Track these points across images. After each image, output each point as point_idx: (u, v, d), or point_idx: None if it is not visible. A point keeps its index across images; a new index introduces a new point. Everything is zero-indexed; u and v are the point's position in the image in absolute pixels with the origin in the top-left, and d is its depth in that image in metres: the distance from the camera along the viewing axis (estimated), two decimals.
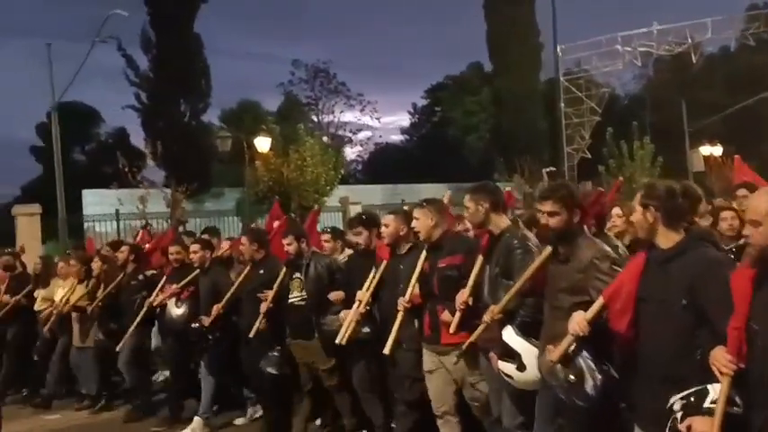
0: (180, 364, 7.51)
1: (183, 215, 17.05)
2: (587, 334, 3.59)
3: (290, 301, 6.20)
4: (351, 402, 6.17)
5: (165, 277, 7.48)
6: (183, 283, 7.11)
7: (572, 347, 3.64)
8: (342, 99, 44.26)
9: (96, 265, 8.31)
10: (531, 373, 4.13)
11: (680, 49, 22.89)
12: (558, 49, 23.31)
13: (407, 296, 5.06)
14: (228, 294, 6.67)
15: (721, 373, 2.99)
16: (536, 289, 4.22)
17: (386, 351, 5.07)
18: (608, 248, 4.12)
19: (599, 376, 3.60)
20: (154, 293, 7.43)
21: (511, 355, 4.20)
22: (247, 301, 6.55)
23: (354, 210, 20.53)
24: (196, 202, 20.72)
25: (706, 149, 25.87)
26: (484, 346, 4.56)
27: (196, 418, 7.03)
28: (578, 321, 3.63)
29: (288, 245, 6.24)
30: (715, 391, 3.02)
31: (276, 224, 8.15)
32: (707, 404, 3.03)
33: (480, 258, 4.66)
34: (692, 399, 3.08)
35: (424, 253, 5.09)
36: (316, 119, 38.65)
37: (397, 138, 50.25)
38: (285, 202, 17.83)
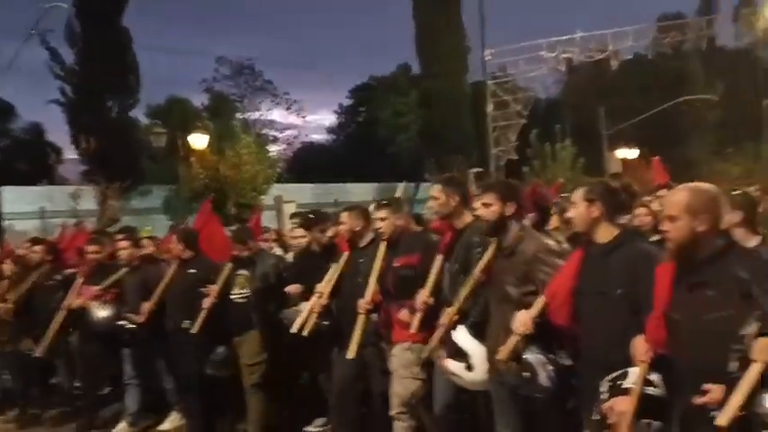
0: (104, 368, 7.13)
1: (116, 213, 16.65)
2: (532, 332, 3.78)
3: (231, 297, 6.19)
4: (263, 407, 6.18)
5: (81, 278, 7.01)
6: (107, 283, 6.78)
7: (519, 345, 3.80)
8: (268, 97, 43.95)
9: (7, 266, 7.87)
10: (480, 373, 4.25)
11: (600, 56, 23.99)
12: (486, 53, 23.95)
13: (368, 297, 5.06)
14: (158, 292, 6.48)
15: (639, 360, 3.23)
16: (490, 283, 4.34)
17: (350, 356, 5.04)
18: (551, 242, 4.29)
19: (550, 367, 3.78)
20: (69, 295, 6.94)
21: (461, 354, 4.29)
22: (176, 301, 6.41)
23: (288, 208, 20.51)
24: (123, 199, 20.25)
25: (622, 152, 27.10)
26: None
27: (121, 423, 6.87)
28: (522, 320, 3.82)
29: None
30: (635, 373, 3.24)
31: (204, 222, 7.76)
32: (626, 385, 3.24)
33: (440, 257, 4.72)
34: (616, 381, 3.29)
35: (382, 249, 5.12)
36: (240, 116, 38.24)
37: (322, 137, 50.30)
38: (221, 199, 17.69)
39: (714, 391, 2.86)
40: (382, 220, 5.10)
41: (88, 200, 17.73)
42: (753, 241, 4.22)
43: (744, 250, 3.30)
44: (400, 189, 7.39)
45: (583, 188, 3.83)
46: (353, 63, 78.24)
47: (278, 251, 7.74)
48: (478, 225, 4.65)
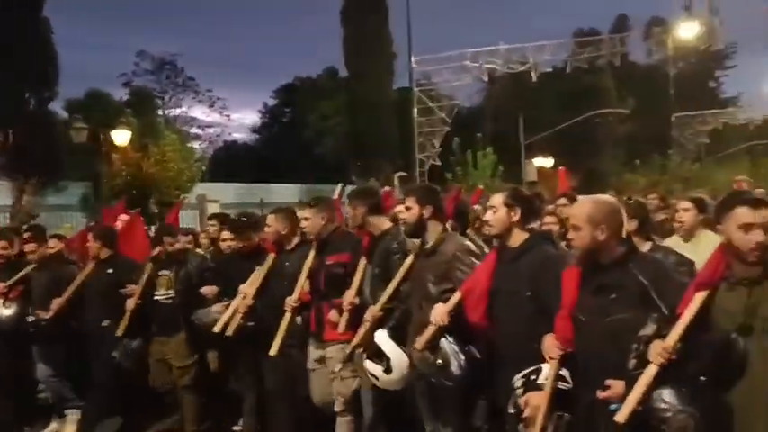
0: (11, 367, 6.66)
1: (32, 209, 16.08)
2: (447, 323, 3.94)
3: (155, 297, 6.10)
4: (197, 407, 6.16)
5: None
6: (13, 279, 6.53)
7: (435, 336, 3.95)
8: (190, 94, 43.22)
9: None
10: (397, 375, 4.39)
11: (522, 68, 24.83)
12: (413, 61, 24.42)
13: (295, 295, 5.07)
14: (71, 289, 6.30)
15: (550, 357, 3.41)
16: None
17: (272, 353, 5.04)
18: (469, 243, 4.44)
19: (462, 357, 3.92)
20: None
21: (380, 356, 4.40)
22: (95, 301, 6.27)
23: (212, 208, 20.28)
24: (39, 195, 19.55)
25: (539, 161, 28.09)
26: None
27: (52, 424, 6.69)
28: (439, 312, 3.97)
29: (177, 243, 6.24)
30: (546, 369, 3.43)
31: (123, 221, 7.52)
32: (540, 380, 3.43)
33: (364, 259, 4.83)
34: (530, 377, 3.47)
35: (312, 251, 5.16)
36: (161, 113, 37.48)
37: (245, 136, 49.77)
38: (143, 198, 17.34)
39: (615, 386, 3.05)
40: (306, 219, 5.15)
41: (5, 195, 17.01)
42: (645, 247, 4.54)
43: (643, 256, 3.54)
44: (337, 190, 7.51)
45: (503, 193, 4.00)
46: (278, 63, 77.57)
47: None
48: (397, 231, 4.84)
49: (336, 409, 5.05)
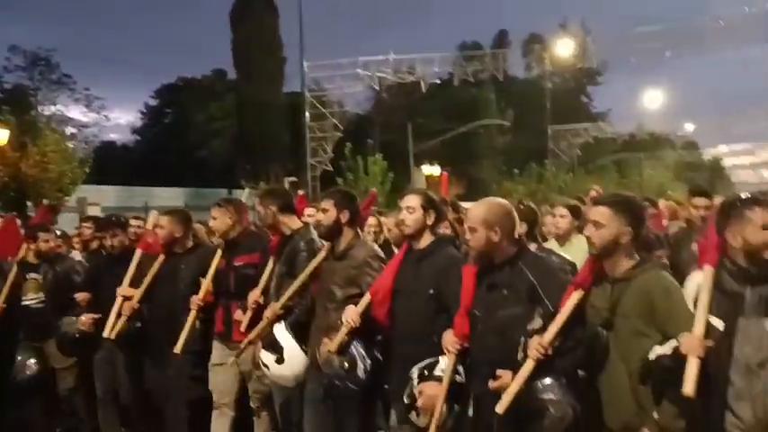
0: None
1: None
2: (359, 325, 3.99)
3: (25, 303, 5.91)
4: (87, 406, 5.98)
5: None
6: None
7: (346, 338, 4.00)
8: (65, 92, 40.98)
9: None
10: (288, 369, 4.41)
11: (411, 78, 25.47)
12: (305, 66, 24.45)
13: (201, 294, 5.02)
14: None
15: (448, 351, 3.55)
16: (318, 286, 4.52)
17: (176, 350, 4.97)
18: (378, 249, 4.51)
19: (369, 361, 3.99)
20: None
21: (275, 347, 4.42)
22: None
23: (93, 211, 19.40)
24: None
25: (427, 168, 28.83)
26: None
27: None
28: (351, 314, 4.02)
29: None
30: (444, 362, 3.57)
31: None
32: (436, 372, 3.57)
33: (272, 259, 4.82)
34: (426, 369, 3.61)
35: (219, 251, 5.11)
36: (35, 111, 35.36)
37: (121, 136, 47.84)
38: (21, 199, 16.38)
39: (505, 376, 3.22)
40: (214, 219, 5.08)
41: None
42: (531, 248, 4.71)
43: (533, 256, 3.68)
44: (245, 195, 7.46)
45: (418, 195, 4.06)
46: (159, 62, 75.09)
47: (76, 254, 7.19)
48: (306, 231, 4.84)
49: (253, 405, 5.04)
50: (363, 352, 4.00)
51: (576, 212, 5.44)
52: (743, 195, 3.15)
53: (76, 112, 41.35)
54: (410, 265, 3.98)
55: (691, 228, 5.45)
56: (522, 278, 3.37)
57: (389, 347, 4.05)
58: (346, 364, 3.98)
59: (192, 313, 5.02)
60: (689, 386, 2.74)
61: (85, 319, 5.46)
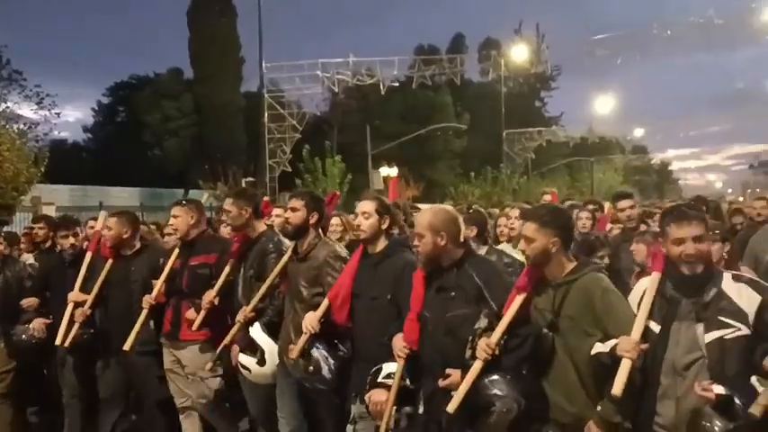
0: None
1: None
2: (318, 330, 4.08)
3: None
4: (10, 417, 5.88)
5: None
6: None
7: (307, 344, 4.08)
8: (16, 89, 39.90)
9: None
10: (269, 368, 4.49)
11: (370, 81, 25.65)
12: (264, 67, 24.39)
13: (154, 293, 5.00)
14: None
15: (398, 356, 3.65)
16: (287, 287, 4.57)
17: (126, 347, 4.95)
18: (340, 249, 4.56)
19: (332, 362, 4.06)
20: None
21: (254, 349, 4.49)
22: None
23: (48, 211, 19.03)
24: None
25: (385, 170, 29.04)
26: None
27: None
28: (310, 321, 4.10)
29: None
30: (389, 367, 3.67)
31: None
32: (380, 378, 3.69)
33: (231, 261, 4.82)
34: (373, 375, 3.73)
35: (176, 251, 5.10)
36: None
37: (71, 134, 46.77)
38: None
39: (454, 375, 3.35)
40: (175, 217, 5.06)
41: None
42: (482, 250, 5.05)
43: (479, 259, 3.84)
44: (204, 197, 7.44)
45: (373, 201, 4.14)
46: (112, 60, 73.74)
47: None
48: (272, 233, 4.92)
49: (179, 405, 5.06)
50: (326, 353, 4.07)
51: None
52: (669, 208, 3.36)
53: (26, 110, 40.38)
54: (367, 269, 4.07)
55: (633, 230, 5.66)
56: (468, 280, 3.52)
57: (353, 350, 4.13)
58: (311, 368, 4.06)
59: (144, 312, 4.99)
60: (618, 387, 2.91)
61: (37, 325, 5.43)
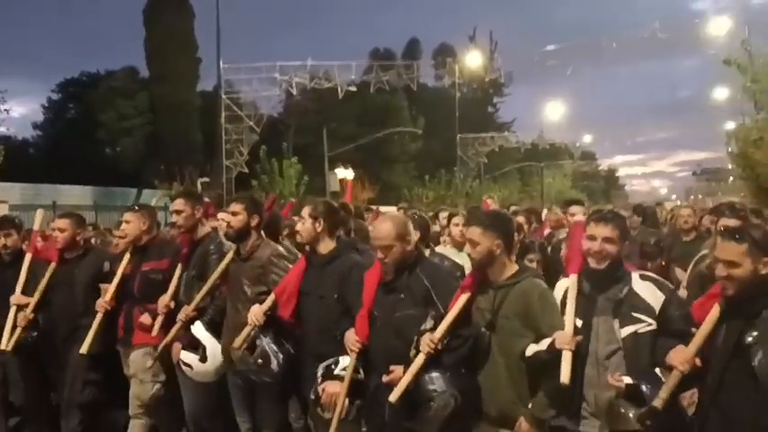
0: None
1: None
2: (261, 323, 4.20)
3: None
4: None
5: None
6: None
7: (251, 335, 4.19)
8: None
9: None
10: (212, 365, 4.53)
11: (329, 84, 25.97)
12: (221, 67, 24.47)
13: (108, 296, 4.99)
14: None
15: (351, 350, 3.80)
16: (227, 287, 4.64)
17: (83, 351, 4.92)
18: (282, 249, 4.71)
19: (281, 355, 4.17)
20: None
21: (195, 346, 4.54)
22: None
23: (1, 210, 18.77)
24: None
25: (341, 172, 29.29)
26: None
27: None
28: (255, 313, 4.22)
29: None
30: (343, 361, 3.84)
31: None
32: (337, 371, 3.85)
33: (181, 265, 4.87)
34: (328, 368, 3.88)
35: (127, 255, 5.10)
36: None
37: (23, 132, 45.66)
38: None
39: (397, 371, 3.54)
40: (127, 222, 5.08)
41: None
42: (425, 253, 5.05)
43: (429, 263, 4.01)
44: (156, 198, 7.44)
45: (309, 206, 4.31)
46: (67, 57, 72.12)
47: None
48: (215, 235, 5.01)
49: (131, 412, 5.04)
50: (274, 347, 4.17)
51: None
52: (594, 211, 3.69)
53: None
54: (315, 269, 4.24)
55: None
56: (418, 283, 3.71)
57: (298, 346, 4.26)
58: (260, 360, 4.16)
59: (99, 316, 4.96)
60: (565, 376, 3.11)
61: None
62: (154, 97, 30.74)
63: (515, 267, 3.59)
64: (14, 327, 5.17)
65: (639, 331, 3.26)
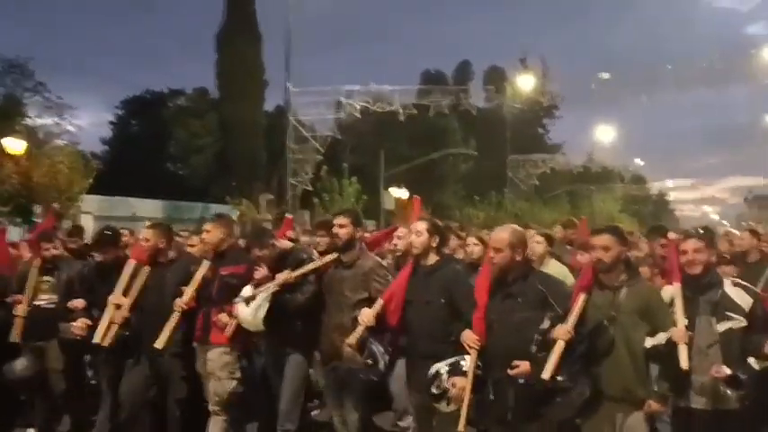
0: None
1: None
2: (373, 324, 4.54)
3: (36, 303, 6.10)
4: (48, 409, 6.15)
5: None
6: None
7: (363, 335, 4.54)
8: (39, 100, 40.86)
9: None
10: (250, 314, 5.05)
11: (390, 108, 26.98)
12: (289, 92, 25.71)
13: (186, 299, 5.27)
14: None
15: (470, 347, 4.09)
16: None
17: (158, 345, 5.19)
18: (380, 260, 5.26)
19: (387, 357, 4.56)
20: None
21: (247, 302, 5.09)
22: None
23: (86, 219, 20.06)
24: None
25: (396, 191, 30.15)
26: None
27: None
28: (366, 314, 4.57)
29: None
30: (466, 360, 4.13)
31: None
32: (464, 368, 4.12)
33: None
34: (454, 365, 4.17)
35: (205, 262, 5.43)
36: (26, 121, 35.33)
37: (92, 147, 47.58)
38: (27, 207, 17.02)
39: (522, 365, 3.89)
40: (207, 232, 5.42)
41: None
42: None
43: (540, 272, 4.46)
44: (233, 212, 8.08)
45: (426, 222, 4.71)
46: (120, 70, 74.01)
47: None
48: (299, 246, 5.75)
49: (211, 408, 5.32)
50: (382, 349, 4.54)
51: (549, 240, 6.17)
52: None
53: (48, 121, 41.22)
54: (420, 279, 4.58)
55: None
56: (533, 289, 4.07)
57: (406, 349, 4.66)
58: (369, 360, 4.53)
59: (175, 315, 5.26)
60: (684, 363, 3.75)
61: (81, 323, 5.63)
62: (223, 117, 31.96)
63: (624, 272, 4.13)
64: (110, 324, 5.46)
65: (734, 327, 4.00)
